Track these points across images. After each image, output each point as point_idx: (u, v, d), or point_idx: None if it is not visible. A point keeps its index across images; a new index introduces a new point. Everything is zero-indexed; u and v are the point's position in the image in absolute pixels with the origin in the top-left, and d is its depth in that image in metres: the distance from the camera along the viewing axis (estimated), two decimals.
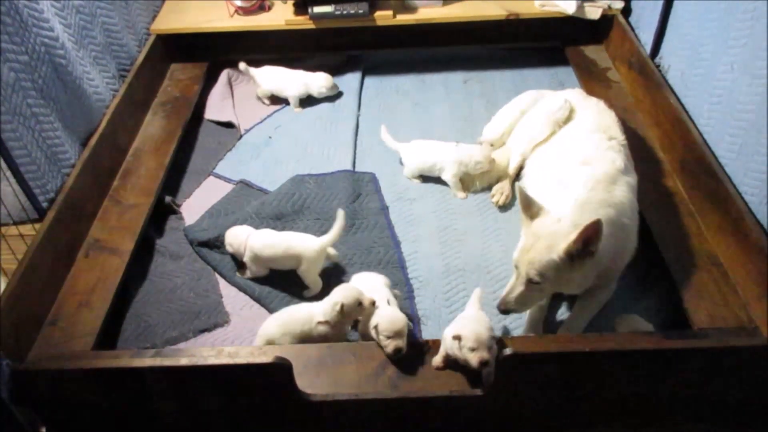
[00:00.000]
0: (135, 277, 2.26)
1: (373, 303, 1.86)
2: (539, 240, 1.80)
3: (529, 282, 1.82)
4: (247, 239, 2.20)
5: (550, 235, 1.79)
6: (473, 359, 1.63)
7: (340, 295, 1.87)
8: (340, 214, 2.16)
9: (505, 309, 1.88)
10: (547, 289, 1.87)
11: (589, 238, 1.74)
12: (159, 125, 2.84)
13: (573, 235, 1.73)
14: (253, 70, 3.14)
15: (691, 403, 1.72)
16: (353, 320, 1.94)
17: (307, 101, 3.15)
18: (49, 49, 2.32)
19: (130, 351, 1.95)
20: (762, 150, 1.97)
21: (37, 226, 2.11)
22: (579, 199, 1.89)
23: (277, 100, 3.16)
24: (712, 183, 2.17)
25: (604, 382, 1.67)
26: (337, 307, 1.85)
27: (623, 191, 1.99)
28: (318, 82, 3.09)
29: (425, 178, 2.65)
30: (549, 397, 1.70)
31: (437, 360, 1.76)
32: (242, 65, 3.14)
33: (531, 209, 1.87)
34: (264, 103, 3.17)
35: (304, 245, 2.14)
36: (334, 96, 3.16)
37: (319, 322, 1.88)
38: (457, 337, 1.65)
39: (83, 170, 2.33)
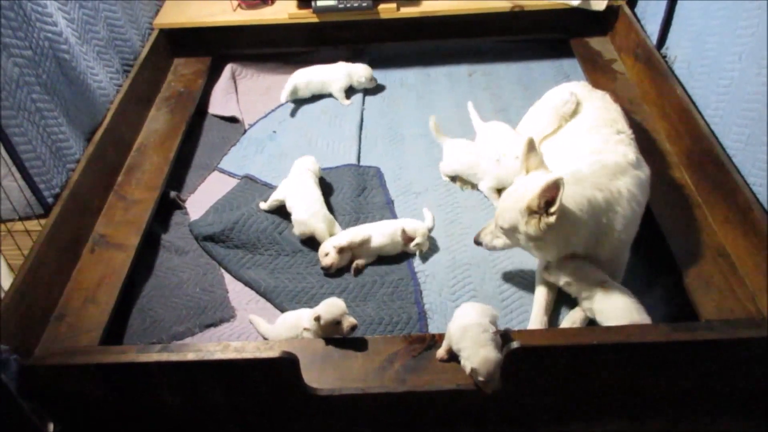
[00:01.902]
0: (140, 272, 2.27)
1: (353, 327, 1.84)
2: (518, 191, 1.87)
3: (496, 224, 1.95)
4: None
5: (521, 192, 1.85)
6: (483, 388, 1.62)
7: (323, 308, 1.85)
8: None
9: (476, 240, 2.06)
10: (511, 239, 1.95)
11: (549, 197, 1.76)
12: (163, 120, 2.84)
13: (535, 192, 1.78)
14: (290, 79, 3.08)
15: (699, 395, 1.72)
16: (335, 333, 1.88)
17: (313, 95, 3.15)
18: (53, 44, 2.32)
19: (136, 346, 1.94)
20: None
21: (43, 221, 2.11)
22: (576, 174, 1.91)
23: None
24: (719, 174, 2.16)
25: (610, 375, 1.66)
26: (314, 318, 1.84)
27: (627, 183, 1.97)
28: (359, 72, 3.06)
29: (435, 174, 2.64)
30: (556, 390, 1.69)
31: (441, 352, 1.75)
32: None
33: (530, 160, 1.92)
34: (282, 98, 3.08)
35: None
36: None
37: (305, 329, 1.89)
38: (474, 371, 1.62)
39: (88, 165, 2.33)
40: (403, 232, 2.24)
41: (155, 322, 2.10)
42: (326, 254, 2.19)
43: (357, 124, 2.92)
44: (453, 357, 1.73)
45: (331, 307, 1.85)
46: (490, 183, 2.47)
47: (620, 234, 1.96)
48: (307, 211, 2.29)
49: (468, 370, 1.62)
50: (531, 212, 1.82)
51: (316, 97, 3.13)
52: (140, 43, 3.01)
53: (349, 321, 1.84)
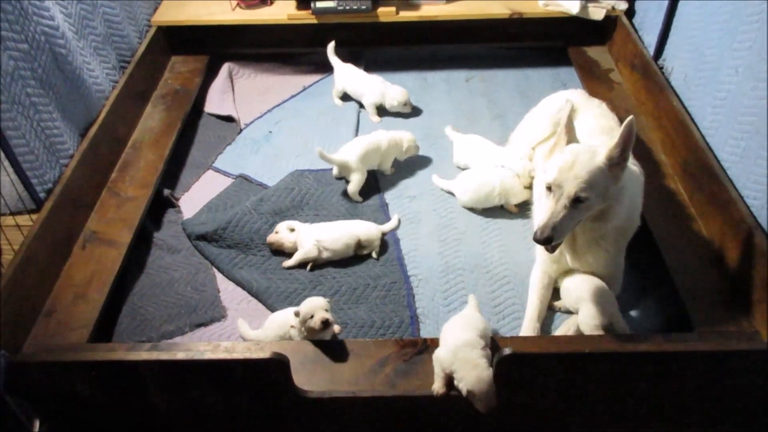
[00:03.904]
0: (132, 270, 2.25)
1: (323, 322, 1.81)
2: (580, 155, 1.75)
3: (575, 201, 1.72)
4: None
5: (588, 150, 1.77)
6: (479, 408, 1.59)
7: (303, 304, 1.86)
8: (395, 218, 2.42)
9: (547, 236, 1.72)
10: (591, 207, 1.76)
11: (627, 139, 1.73)
12: (159, 117, 2.83)
13: (613, 141, 1.73)
14: (337, 62, 3.08)
15: (690, 406, 1.72)
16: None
17: (306, 97, 3.14)
18: (49, 38, 2.30)
19: (126, 344, 1.93)
20: (765, 154, 1.96)
21: (35, 216, 2.10)
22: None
23: (347, 99, 3.10)
24: (714, 186, 2.17)
25: (602, 384, 1.65)
26: (294, 313, 1.86)
27: (634, 175, 1.98)
28: (392, 94, 2.96)
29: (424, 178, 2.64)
30: (547, 398, 1.69)
31: (437, 387, 1.65)
32: (330, 48, 3.08)
33: (570, 133, 1.84)
34: (335, 102, 3.08)
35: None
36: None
37: (292, 326, 1.89)
38: (470, 392, 1.59)
39: (82, 161, 2.32)
40: (358, 241, 2.26)
41: (145, 321, 2.09)
42: (276, 232, 2.28)
43: (353, 126, 2.92)
44: (451, 386, 1.66)
45: (310, 302, 1.85)
46: (521, 195, 2.39)
47: (629, 218, 1.94)
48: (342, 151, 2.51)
49: (464, 392, 1.59)
50: (610, 162, 1.74)
51: (312, 99, 3.13)
52: (138, 40, 3.00)
53: (320, 315, 1.81)
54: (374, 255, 2.27)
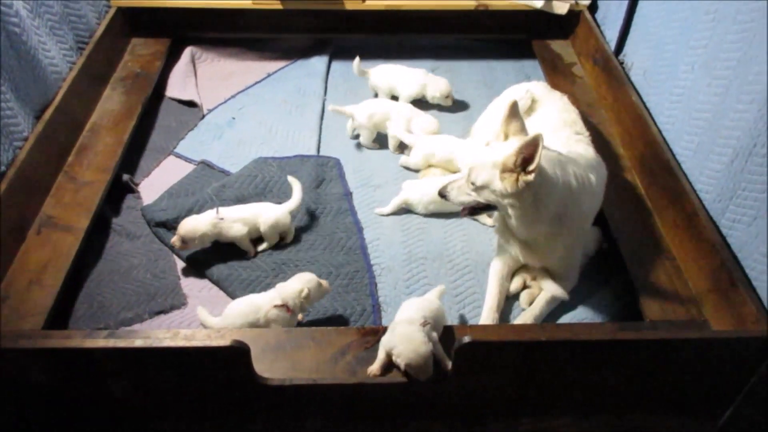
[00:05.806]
0: (89, 256, 2.20)
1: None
2: (495, 150, 1.83)
3: (468, 179, 1.88)
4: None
5: (499, 150, 1.82)
6: (416, 376, 1.62)
7: (303, 282, 1.89)
8: (294, 181, 2.33)
9: (441, 193, 1.98)
10: (489, 199, 1.87)
11: (528, 154, 1.71)
12: (118, 101, 2.76)
13: (513, 149, 1.75)
14: (371, 70, 2.96)
15: (643, 393, 1.77)
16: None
17: (270, 83, 3.11)
18: (3, 16, 2.23)
19: (82, 331, 1.90)
20: (717, 149, 2.02)
21: None
22: (553, 150, 1.91)
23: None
24: (669, 180, 2.23)
25: (559, 371, 1.69)
26: (304, 294, 1.88)
27: (593, 174, 2.01)
28: (435, 85, 2.90)
29: (390, 166, 2.64)
30: (505, 385, 1.72)
31: (375, 368, 1.67)
32: (357, 64, 2.92)
33: (510, 125, 1.86)
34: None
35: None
36: (301, 79, 3.11)
37: (277, 306, 1.87)
38: (408, 366, 1.60)
39: (36, 144, 2.25)
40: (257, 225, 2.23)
41: (103, 308, 2.05)
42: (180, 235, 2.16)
43: (318, 114, 2.90)
44: (388, 371, 1.69)
45: (309, 277, 1.93)
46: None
47: (578, 225, 1.98)
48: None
49: (402, 367, 1.61)
50: (507, 170, 1.77)
51: (276, 86, 3.10)
52: (96, 21, 2.91)
53: (321, 281, 1.96)
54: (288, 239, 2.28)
